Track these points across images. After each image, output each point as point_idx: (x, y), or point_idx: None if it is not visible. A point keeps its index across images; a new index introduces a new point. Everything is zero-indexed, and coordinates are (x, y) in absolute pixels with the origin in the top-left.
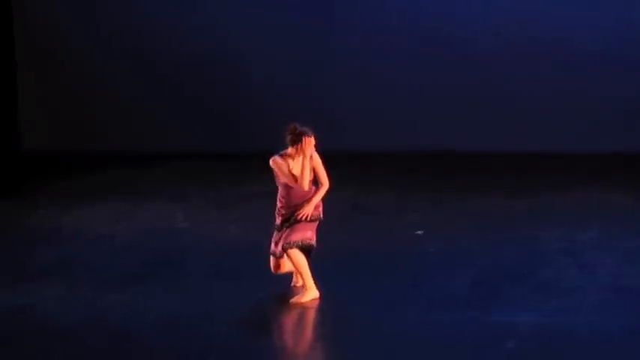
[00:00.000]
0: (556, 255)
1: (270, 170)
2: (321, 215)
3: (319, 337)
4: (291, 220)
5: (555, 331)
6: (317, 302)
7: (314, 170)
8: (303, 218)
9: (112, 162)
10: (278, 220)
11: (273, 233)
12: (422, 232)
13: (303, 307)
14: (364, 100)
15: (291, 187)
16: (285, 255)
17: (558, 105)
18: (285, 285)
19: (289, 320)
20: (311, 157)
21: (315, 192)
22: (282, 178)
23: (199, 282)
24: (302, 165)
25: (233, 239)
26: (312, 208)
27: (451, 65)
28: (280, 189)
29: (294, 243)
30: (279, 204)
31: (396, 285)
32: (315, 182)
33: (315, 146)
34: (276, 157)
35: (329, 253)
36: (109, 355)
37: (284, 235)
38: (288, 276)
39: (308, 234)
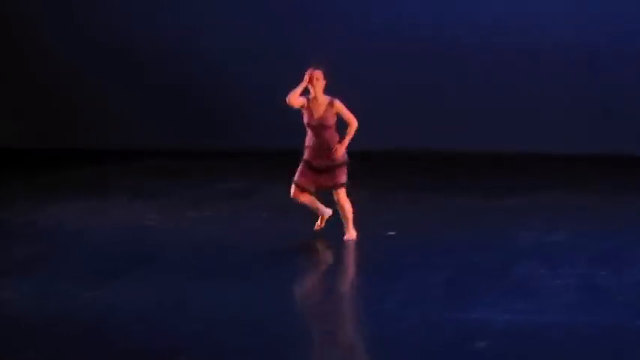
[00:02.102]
0: (529, 255)
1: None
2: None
3: (291, 334)
4: (324, 165)
5: (527, 330)
6: (288, 300)
7: (338, 114)
8: (339, 156)
9: (84, 159)
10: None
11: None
12: (394, 232)
13: (274, 304)
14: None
15: (317, 132)
16: (336, 194)
17: (533, 106)
18: (257, 281)
19: (261, 318)
20: (332, 103)
21: (347, 133)
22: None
23: (172, 279)
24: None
25: (206, 237)
26: (345, 146)
27: (427, 65)
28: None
29: (343, 183)
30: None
31: (369, 283)
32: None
33: (325, 83)
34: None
35: (304, 249)
36: (81, 350)
37: (332, 177)
38: (261, 272)
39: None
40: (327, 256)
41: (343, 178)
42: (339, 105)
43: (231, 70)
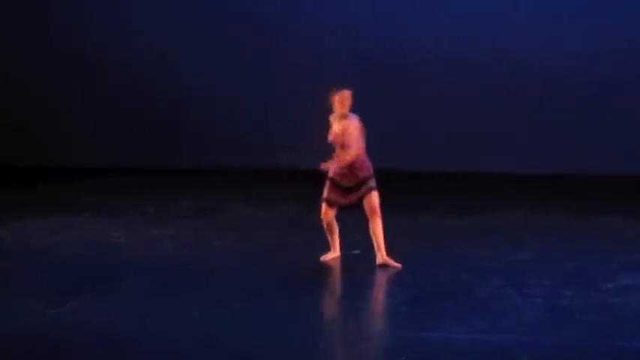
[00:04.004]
0: (492, 274)
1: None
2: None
3: (257, 353)
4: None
5: (491, 349)
6: (253, 319)
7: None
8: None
9: (48, 176)
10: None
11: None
12: (359, 251)
13: (239, 323)
14: (304, 119)
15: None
16: (368, 196)
17: (497, 126)
18: (222, 300)
19: (226, 337)
20: (345, 116)
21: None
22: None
23: (135, 298)
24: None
25: (169, 255)
26: (330, 164)
27: (393, 86)
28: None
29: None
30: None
31: (334, 302)
32: None
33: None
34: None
35: (268, 268)
36: None
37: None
38: (226, 291)
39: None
40: (291, 276)
41: (373, 183)
42: (348, 124)
43: (195, 88)
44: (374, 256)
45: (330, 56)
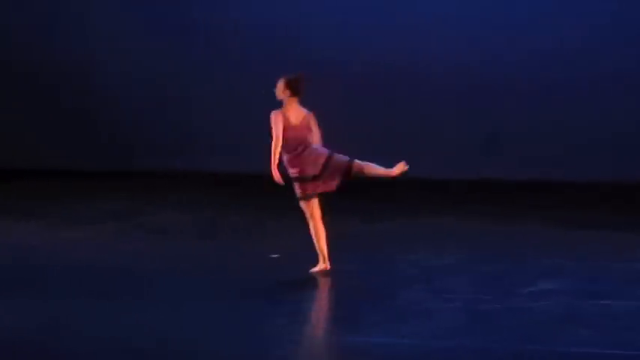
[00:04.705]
0: (412, 279)
1: None
2: None
3: (179, 355)
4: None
5: (407, 354)
6: (169, 322)
7: None
8: None
9: None
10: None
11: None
12: (278, 255)
13: (161, 326)
14: (230, 122)
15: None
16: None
17: (415, 132)
18: (143, 306)
19: (144, 343)
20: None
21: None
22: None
23: (50, 301)
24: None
25: (87, 257)
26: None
27: (325, 87)
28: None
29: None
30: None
31: (252, 305)
32: None
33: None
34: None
35: (183, 272)
36: None
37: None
38: (147, 296)
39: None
40: (210, 279)
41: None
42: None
43: (115, 88)
44: (293, 260)
45: (269, 59)
